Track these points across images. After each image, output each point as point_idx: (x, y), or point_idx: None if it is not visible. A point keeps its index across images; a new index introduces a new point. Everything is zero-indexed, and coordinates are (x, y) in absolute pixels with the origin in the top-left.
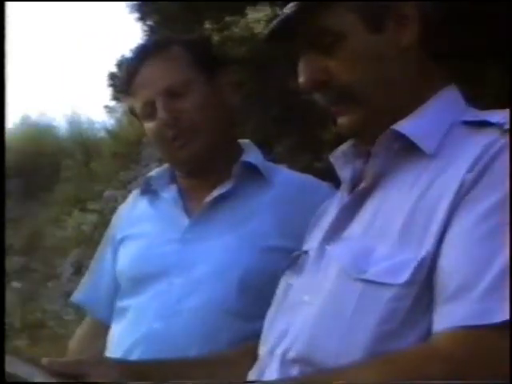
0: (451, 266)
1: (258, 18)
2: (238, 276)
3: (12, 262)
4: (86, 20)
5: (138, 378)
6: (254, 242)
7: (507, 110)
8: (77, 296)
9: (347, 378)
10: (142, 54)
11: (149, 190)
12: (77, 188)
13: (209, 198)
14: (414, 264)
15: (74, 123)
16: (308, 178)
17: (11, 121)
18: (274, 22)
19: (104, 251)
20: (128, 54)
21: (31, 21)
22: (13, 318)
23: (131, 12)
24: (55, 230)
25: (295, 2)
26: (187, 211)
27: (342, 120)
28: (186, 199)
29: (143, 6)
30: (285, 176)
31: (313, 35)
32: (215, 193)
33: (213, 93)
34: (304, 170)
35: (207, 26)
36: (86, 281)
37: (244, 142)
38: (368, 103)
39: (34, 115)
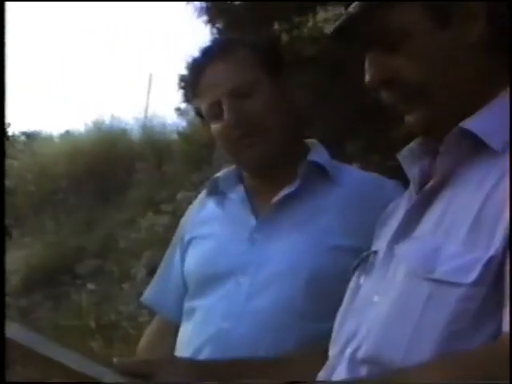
0: None
1: (327, 18)
2: (305, 276)
3: (86, 265)
4: (156, 21)
5: (207, 378)
6: (321, 241)
7: None
8: (146, 296)
9: (414, 379)
10: (208, 55)
11: (216, 191)
12: (150, 190)
13: (276, 199)
14: (482, 263)
15: (146, 126)
16: (374, 176)
17: (84, 125)
18: (339, 20)
19: (173, 252)
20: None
21: (91, 21)
22: (88, 319)
23: (200, 15)
24: (129, 232)
25: (360, 1)
26: (255, 211)
27: (410, 118)
28: (254, 199)
29: (211, 9)
30: (351, 175)
31: (378, 33)
32: (282, 193)
33: (279, 93)
34: (376, 169)
35: (276, 26)
36: (155, 281)
37: (311, 141)
38: (435, 101)
39: (108, 119)
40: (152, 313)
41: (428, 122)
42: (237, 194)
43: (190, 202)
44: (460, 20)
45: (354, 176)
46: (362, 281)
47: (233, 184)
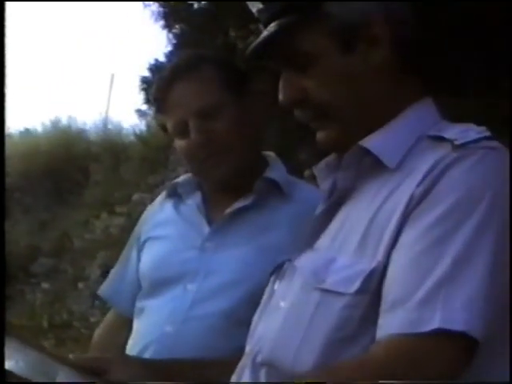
0: (393, 277)
1: None
2: (249, 288)
3: (41, 264)
4: (119, 22)
5: (154, 377)
6: (268, 256)
7: (466, 125)
8: (103, 290)
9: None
10: (174, 73)
11: (175, 195)
12: (105, 191)
13: (229, 210)
14: (364, 274)
15: (104, 127)
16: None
17: (42, 124)
18: (255, 41)
19: (130, 249)
20: (162, 61)
21: (64, 22)
22: (40, 318)
23: (157, 19)
24: (84, 233)
25: (274, 23)
26: (209, 220)
27: (319, 135)
28: (209, 207)
29: (169, 14)
30: (306, 192)
31: (289, 55)
32: (236, 205)
33: (243, 112)
34: None
35: (232, 33)
36: (112, 276)
37: (269, 155)
38: (341, 120)
39: (65, 119)
40: (104, 313)
41: (335, 139)
42: (193, 200)
43: (145, 204)
44: (363, 46)
45: (308, 193)
46: (276, 286)
47: (191, 190)
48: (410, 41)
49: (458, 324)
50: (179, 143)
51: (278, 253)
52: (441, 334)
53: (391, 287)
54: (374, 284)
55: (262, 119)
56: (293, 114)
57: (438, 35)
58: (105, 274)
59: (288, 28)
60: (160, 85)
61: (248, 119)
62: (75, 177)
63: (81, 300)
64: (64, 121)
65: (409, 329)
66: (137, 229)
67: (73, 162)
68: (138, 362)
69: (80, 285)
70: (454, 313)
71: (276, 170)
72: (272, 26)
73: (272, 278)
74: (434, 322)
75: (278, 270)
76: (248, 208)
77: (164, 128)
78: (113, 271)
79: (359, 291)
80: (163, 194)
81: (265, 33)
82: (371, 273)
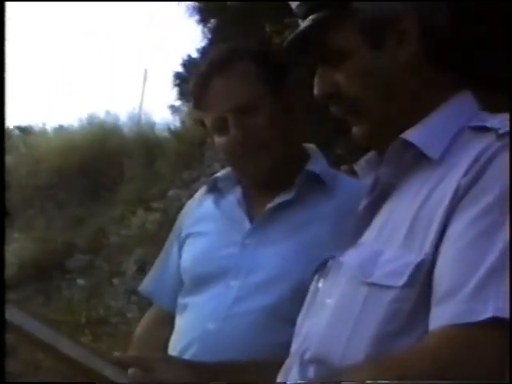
0: (443, 269)
1: None
2: (292, 284)
3: (77, 260)
4: (152, 18)
5: (198, 378)
6: (311, 251)
7: (507, 114)
8: (145, 286)
9: (349, 378)
10: (211, 68)
11: (215, 190)
12: (141, 187)
13: (271, 205)
14: (412, 267)
15: (139, 123)
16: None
17: (78, 120)
18: (290, 36)
19: (171, 245)
20: (195, 57)
21: (100, 17)
22: (78, 314)
23: (191, 14)
24: (120, 229)
25: (309, 18)
26: (250, 215)
27: (355, 130)
28: (250, 203)
29: (203, 9)
30: (348, 185)
31: (322, 50)
32: (277, 200)
33: (281, 106)
34: None
35: (267, 28)
36: (153, 272)
37: (310, 147)
38: (372, 115)
39: (102, 115)
40: (141, 309)
41: (369, 134)
42: (234, 195)
43: (180, 200)
44: (392, 42)
45: (349, 185)
46: (320, 284)
47: (231, 185)
48: (440, 35)
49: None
50: (218, 140)
51: (321, 247)
52: (494, 323)
53: (442, 279)
54: (422, 276)
55: (300, 112)
56: (328, 109)
57: (472, 28)
58: (141, 269)
59: (320, 23)
60: (197, 81)
61: (286, 113)
62: (110, 173)
63: (117, 296)
64: (100, 116)
65: (462, 319)
66: (177, 225)
67: (108, 158)
68: (183, 362)
69: (116, 281)
70: (507, 301)
71: (317, 163)
72: (306, 22)
73: (316, 277)
74: (488, 312)
75: (321, 268)
76: (289, 203)
77: (202, 124)
78: (154, 268)
79: (407, 284)
80: (203, 188)
81: (299, 28)
82: (419, 265)
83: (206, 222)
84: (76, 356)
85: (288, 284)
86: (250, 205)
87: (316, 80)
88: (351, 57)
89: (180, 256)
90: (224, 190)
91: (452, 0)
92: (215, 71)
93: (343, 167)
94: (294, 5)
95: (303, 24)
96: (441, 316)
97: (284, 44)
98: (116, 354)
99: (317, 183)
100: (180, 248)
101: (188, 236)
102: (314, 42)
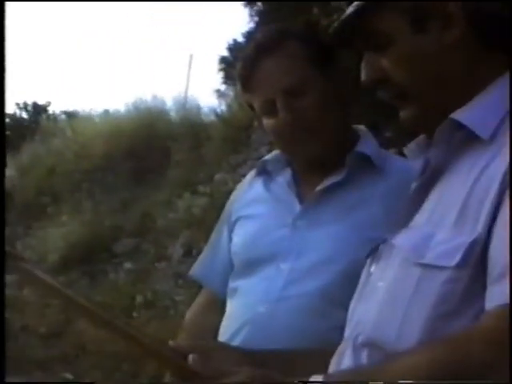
0: (497, 248)
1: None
2: (343, 266)
3: (124, 243)
4: (197, 2)
5: (254, 366)
6: (362, 232)
7: None
8: (195, 270)
9: (399, 366)
10: (259, 50)
11: (264, 172)
12: (187, 171)
13: (321, 187)
14: (464, 247)
15: (185, 107)
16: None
17: (124, 104)
18: (336, 23)
19: (221, 229)
20: (241, 41)
21: (138, 7)
22: (124, 297)
23: None
24: (166, 212)
25: (354, 4)
26: (300, 197)
27: (402, 114)
28: (300, 185)
29: None
30: (399, 166)
31: (368, 36)
32: (327, 182)
33: (329, 88)
34: None
35: (314, 11)
36: (203, 256)
37: (360, 128)
38: (420, 99)
39: (147, 99)
40: (189, 292)
41: (417, 118)
42: (284, 177)
43: (227, 184)
44: (436, 25)
45: (401, 167)
46: (372, 268)
47: (281, 167)
48: (486, 15)
49: None
50: (267, 122)
51: (373, 229)
52: None
53: (496, 259)
54: (475, 256)
55: (349, 93)
56: (375, 93)
57: None
58: (187, 253)
59: (365, 9)
60: (245, 63)
61: (335, 94)
62: (157, 157)
63: (164, 279)
64: (146, 101)
65: None
66: (227, 208)
67: (154, 143)
68: (240, 351)
69: (162, 264)
70: None
71: (367, 144)
72: (351, 8)
73: (368, 261)
74: None
75: (373, 253)
76: (340, 184)
77: (251, 106)
78: (204, 252)
79: (460, 264)
80: (252, 171)
81: (344, 14)
82: (471, 245)
83: (255, 205)
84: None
85: (340, 266)
86: (300, 187)
87: (363, 66)
88: (396, 41)
89: (230, 240)
90: (273, 172)
91: None
92: (263, 52)
93: (392, 150)
94: None
95: (348, 10)
96: (496, 296)
97: (330, 30)
98: (170, 342)
99: (367, 164)
100: (230, 231)
101: (238, 219)
102: (360, 28)
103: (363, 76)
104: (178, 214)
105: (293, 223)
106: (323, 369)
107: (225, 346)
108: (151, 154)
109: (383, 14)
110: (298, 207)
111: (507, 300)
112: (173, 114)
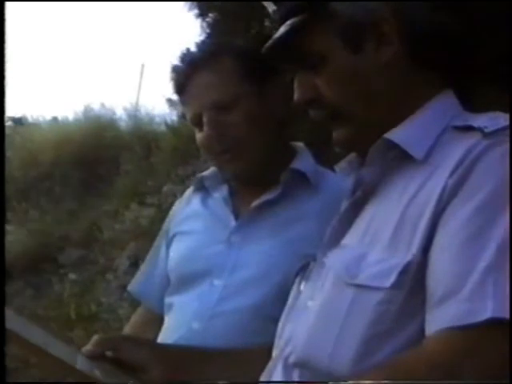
0: (438, 270)
1: None
2: (277, 282)
3: (70, 254)
4: (150, 11)
5: (166, 361)
6: (297, 248)
7: (494, 113)
8: (132, 286)
9: None
10: (193, 63)
11: (202, 188)
12: (136, 181)
13: (256, 203)
14: (399, 268)
15: (135, 117)
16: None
17: (73, 112)
18: (270, 39)
19: (159, 244)
20: (191, 49)
21: (84, 9)
22: (68, 309)
23: (190, 8)
24: (113, 223)
25: (286, 23)
26: (235, 213)
27: (335, 134)
28: (236, 201)
29: (202, 3)
30: (334, 182)
31: (301, 55)
32: (262, 198)
33: (262, 105)
34: None
35: (266, 23)
36: (142, 272)
37: (298, 145)
38: (354, 119)
39: (97, 107)
40: (133, 305)
41: (351, 138)
42: (220, 193)
43: (175, 195)
44: (372, 44)
45: (336, 183)
46: (302, 287)
47: (218, 183)
48: (423, 33)
49: (508, 312)
50: (197, 135)
51: (306, 245)
52: (493, 323)
53: (437, 281)
54: (409, 278)
55: (285, 110)
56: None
57: (454, 25)
58: (134, 265)
59: (297, 28)
60: (179, 76)
61: (269, 111)
62: (105, 166)
63: (109, 291)
64: (95, 110)
65: (461, 321)
66: (166, 224)
67: (103, 151)
68: (148, 344)
69: (109, 276)
70: (505, 300)
71: (303, 161)
72: (283, 27)
73: (297, 279)
74: (487, 312)
75: (303, 270)
76: (275, 201)
77: (186, 118)
78: (142, 267)
79: (395, 285)
80: (191, 188)
81: (276, 34)
82: (406, 266)
83: (192, 221)
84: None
85: (273, 282)
86: (236, 203)
87: (295, 85)
88: (330, 61)
89: (168, 255)
90: (210, 188)
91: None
92: (196, 67)
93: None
94: (270, 9)
95: (280, 29)
96: (439, 318)
97: (263, 49)
98: (84, 347)
99: (302, 181)
100: (168, 247)
101: (175, 235)
102: (293, 46)
103: (295, 96)
104: (125, 225)
105: (228, 239)
106: (239, 372)
107: (134, 339)
108: (100, 164)
109: (317, 32)
110: (233, 223)
111: (449, 323)
112: (123, 123)
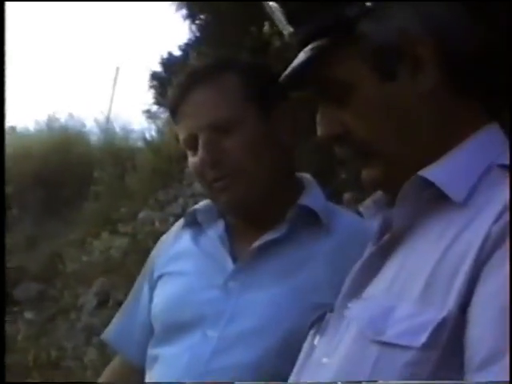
0: (479, 330)
1: None
2: (282, 334)
3: (26, 289)
4: (133, 15)
5: None
6: (303, 297)
7: None
8: (109, 333)
9: None
10: (192, 79)
11: (194, 223)
12: (107, 206)
13: (257, 243)
14: (433, 325)
15: (108, 130)
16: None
17: (36, 124)
18: (288, 68)
19: (141, 286)
20: (177, 55)
21: (59, 20)
22: (24, 354)
23: (178, 9)
24: (79, 254)
25: (307, 49)
26: (233, 254)
27: (364, 174)
28: (234, 240)
29: (192, 4)
30: (348, 222)
31: (324, 85)
32: (265, 238)
33: (266, 130)
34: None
35: (266, 28)
36: (119, 317)
37: (305, 177)
38: (387, 157)
39: (63, 118)
40: (101, 351)
41: (383, 177)
42: (216, 230)
43: (153, 224)
44: (406, 73)
45: (349, 223)
46: (316, 341)
47: (213, 218)
48: (464, 60)
49: None
50: (190, 159)
51: (315, 293)
52: None
53: (479, 343)
54: (444, 336)
55: (292, 135)
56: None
57: (504, 50)
58: (103, 304)
59: (320, 54)
60: (175, 92)
61: (273, 137)
62: (72, 187)
63: (72, 335)
64: (61, 120)
65: None
66: (149, 262)
67: (69, 170)
68: None
69: (72, 316)
70: None
71: (312, 196)
72: (302, 53)
73: (311, 332)
74: None
75: (318, 323)
76: (279, 241)
77: (178, 139)
78: (120, 313)
79: (427, 344)
80: (180, 222)
81: (295, 61)
82: (441, 323)
83: (182, 261)
84: None
85: (276, 335)
86: (234, 242)
87: (319, 118)
88: (358, 91)
89: (151, 299)
90: (204, 224)
91: (478, 18)
92: (196, 82)
93: (346, 195)
94: (285, 32)
95: (299, 56)
96: None
97: (280, 79)
98: None
99: (311, 219)
100: (152, 290)
101: (161, 276)
102: (315, 75)
103: (319, 131)
104: (94, 257)
105: (224, 284)
106: None
107: None
108: (65, 184)
109: (342, 58)
110: (230, 266)
111: None
112: (93, 136)
